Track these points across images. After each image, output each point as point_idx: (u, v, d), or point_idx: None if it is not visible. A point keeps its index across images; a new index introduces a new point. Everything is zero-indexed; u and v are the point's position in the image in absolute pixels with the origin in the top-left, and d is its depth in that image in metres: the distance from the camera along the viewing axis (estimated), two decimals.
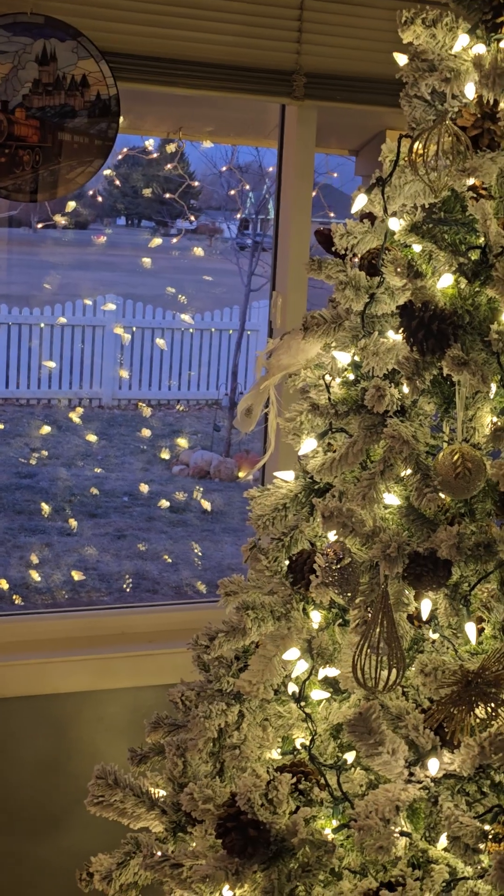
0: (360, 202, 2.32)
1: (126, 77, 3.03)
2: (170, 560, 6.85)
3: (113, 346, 9.08)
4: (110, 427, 8.66)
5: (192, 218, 8.58)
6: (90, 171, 2.99)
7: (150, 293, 9.09)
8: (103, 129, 2.99)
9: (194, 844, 2.32)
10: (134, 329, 9.11)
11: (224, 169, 7.43)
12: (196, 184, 7.09)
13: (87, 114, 2.97)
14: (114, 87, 2.98)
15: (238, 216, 8.78)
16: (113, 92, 2.98)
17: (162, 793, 2.49)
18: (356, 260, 2.36)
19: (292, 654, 2.32)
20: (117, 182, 8.26)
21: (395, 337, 2.26)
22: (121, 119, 3.08)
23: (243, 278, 8.65)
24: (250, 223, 8.85)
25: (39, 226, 7.48)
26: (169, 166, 4.87)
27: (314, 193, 4.76)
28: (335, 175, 5.56)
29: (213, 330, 9.37)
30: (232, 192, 7.76)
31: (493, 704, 2.06)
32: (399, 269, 2.20)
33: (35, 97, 2.93)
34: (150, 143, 4.43)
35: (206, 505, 7.23)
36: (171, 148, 4.56)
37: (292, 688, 2.38)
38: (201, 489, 7.55)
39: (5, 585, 6.16)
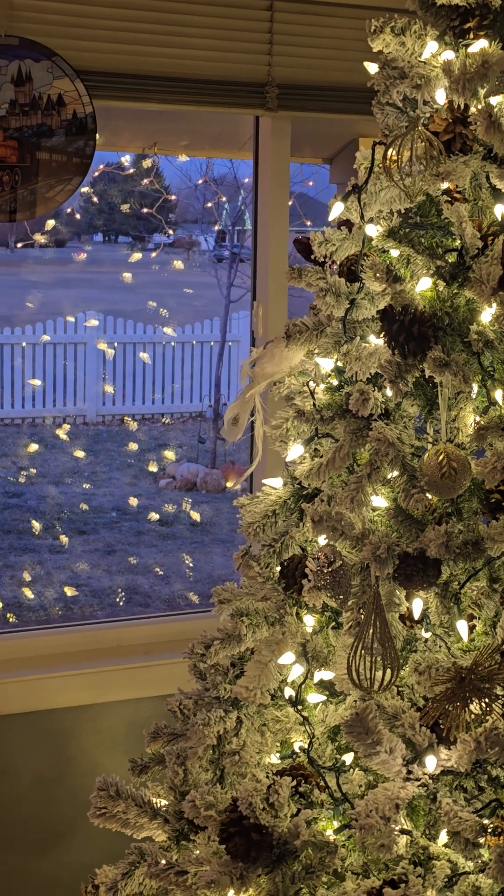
0: (337, 210, 2.34)
1: (101, 94, 3.06)
2: (161, 573, 6.86)
3: (96, 362, 9.10)
4: (96, 443, 8.67)
5: (170, 232, 8.61)
6: (69, 189, 3.02)
7: (131, 308, 9.12)
8: (80, 146, 3.01)
9: (198, 852, 2.34)
10: (116, 344, 9.13)
11: (200, 182, 7.46)
12: (173, 197, 7.12)
13: (64, 132, 3.00)
14: (89, 105, 3.01)
15: (215, 228, 8.81)
16: (89, 110, 3.01)
17: (164, 802, 2.51)
18: (335, 267, 2.39)
19: (287, 658, 2.34)
20: (94, 199, 8.29)
21: (376, 341, 2.29)
22: (97, 136, 3.11)
23: (222, 290, 8.69)
24: (227, 235, 8.88)
25: (18, 245, 7.50)
26: (145, 181, 4.91)
27: (290, 203, 4.80)
28: (310, 184, 5.61)
29: (194, 342, 9.40)
30: (209, 205, 7.79)
31: (486, 700, 2.09)
32: (378, 275, 2.23)
33: (12, 118, 2.95)
34: (125, 160, 4.46)
35: (196, 516, 7.25)
36: (146, 163, 4.59)
37: (289, 692, 2.40)
38: (189, 500, 7.57)
39: None
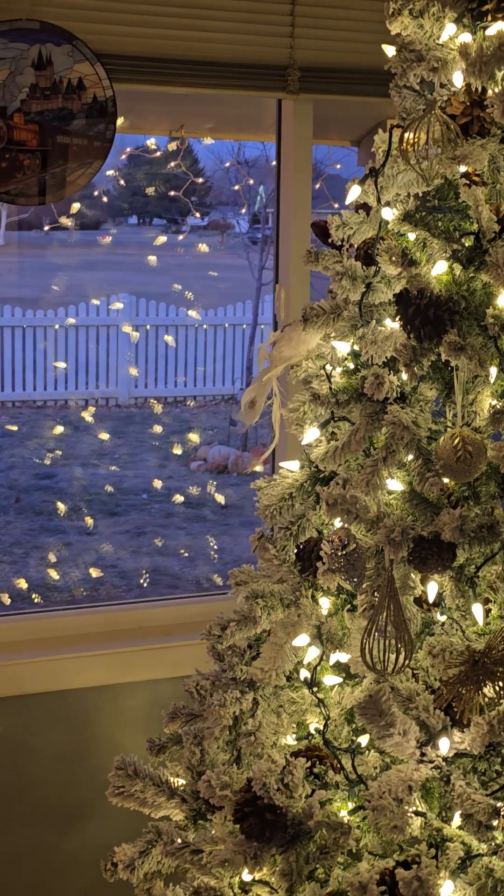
0: (353, 193, 2.34)
1: (121, 78, 3.06)
2: (190, 555, 6.89)
3: (127, 345, 9.12)
4: (127, 425, 8.70)
5: (198, 214, 8.60)
6: (90, 173, 3.03)
7: (163, 291, 9.12)
8: (101, 130, 3.02)
9: (214, 831, 2.36)
10: (148, 327, 9.14)
11: (227, 165, 7.45)
12: (200, 180, 7.12)
13: (84, 116, 3.01)
14: (110, 88, 3.01)
15: (243, 211, 8.79)
16: (109, 94, 3.02)
17: (181, 781, 2.53)
18: (353, 250, 2.39)
19: (302, 640, 2.35)
20: (121, 181, 8.30)
21: (392, 325, 2.28)
22: (121, 120, 3.12)
23: (254, 273, 8.68)
24: (260, 217, 8.86)
25: (46, 228, 7.52)
26: (172, 164, 4.91)
27: (318, 185, 4.79)
28: (338, 166, 5.60)
29: (226, 325, 9.40)
30: (236, 188, 7.78)
31: (500, 683, 2.09)
32: (394, 258, 2.23)
33: (33, 102, 2.96)
34: (151, 142, 4.47)
35: (220, 499, 7.27)
36: (172, 146, 4.59)
37: (304, 674, 2.41)
38: (214, 483, 7.59)
39: (24, 585, 6.21)
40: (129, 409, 9.04)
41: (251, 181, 7.67)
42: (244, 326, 9.38)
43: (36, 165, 2.97)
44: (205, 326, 9.32)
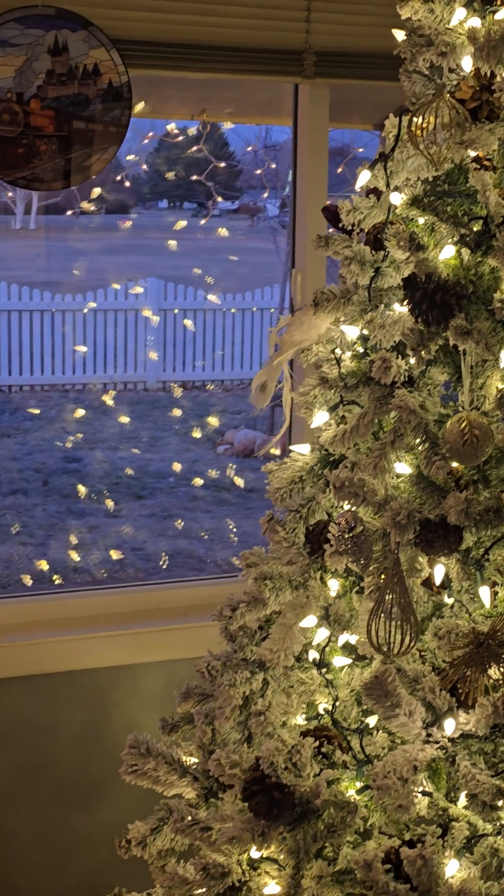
0: (363, 178, 2.35)
1: (137, 64, 3.07)
2: (214, 538, 6.91)
3: (154, 329, 9.14)
4: (154, 409, 8.72)
5: (220, 198, 8.60)
6: (105, 158, 3.05)
7: (193, 275, 9.13)
8: (116, 116, 3.04)
9: (225, 809, 2.39)
10: (176, 311, 9.15)
11: (249, 149, 7.45)
12: (222, 164, 7.12)
13: (100, 102, 3.03)
14: (125, 74, 3.03)
15: (265, 195, 8.78)
16: (125, 79, 3.03)
17: (194, 760, 2.56)
18: (363, 235, 2.40)
19: (311, 621, 2.37)
20: (144, 166, 8.31)
21: (400, 309, 2.29)
22: (142, 104, 3.13)
23: (281, 256, 8.68)
24: (288, 201, 8.84)
25: (69, 213, 7.54)
26: (193, 149, 4.92)
27: (340, 170, 4.78)
28: (361, 150, 5.59)
29: (254, 309, 9.40)
30: (258, 172, 7.79)
31: None
32: (401, 243, 2.23)
33: (49, 88, 2.99)
34: (171, 127, 4.49)
35: (240, 482, 7.31)
36: (191, 131, 4.60)
37: (313, 655, 2.43)
38: (241, 467, 7.60)
39: (45, 566, 6.25)
40: (157, 394, 9.07)
41: (273, 165, 7.67)
42: (272, 310, 9.38)
43: (52, 151, 2.99)
44: (233, 310, 9.32)
